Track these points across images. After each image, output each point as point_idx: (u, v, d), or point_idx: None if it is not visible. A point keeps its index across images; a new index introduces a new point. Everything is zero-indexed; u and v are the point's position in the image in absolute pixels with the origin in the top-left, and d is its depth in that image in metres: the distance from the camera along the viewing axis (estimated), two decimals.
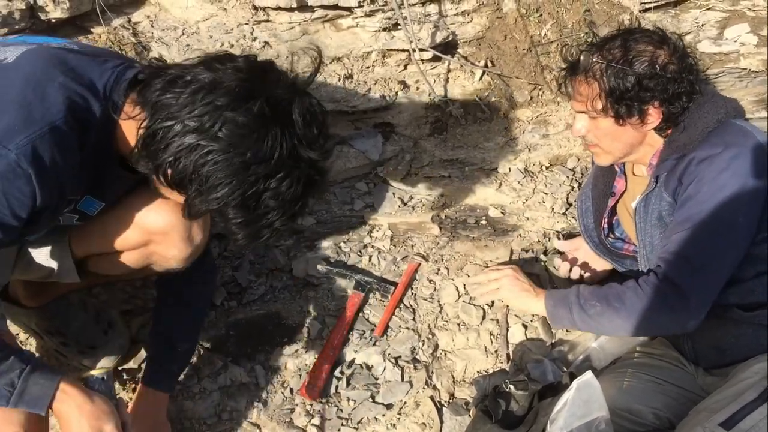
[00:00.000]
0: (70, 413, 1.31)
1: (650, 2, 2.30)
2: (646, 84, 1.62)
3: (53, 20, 2.09)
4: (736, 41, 2.30)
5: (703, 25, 2.33)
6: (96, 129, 1.27)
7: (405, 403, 1.92)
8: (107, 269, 1.56)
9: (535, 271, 2.20)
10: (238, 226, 1.28)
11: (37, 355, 1.89)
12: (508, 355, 2.01)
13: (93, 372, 1.41)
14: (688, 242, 1.61)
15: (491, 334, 2.06)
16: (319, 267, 2.25)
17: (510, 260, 2.25)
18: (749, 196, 1.58)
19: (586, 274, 2.14)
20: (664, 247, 1.67)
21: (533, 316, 2.10)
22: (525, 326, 2.08)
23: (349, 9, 2.22)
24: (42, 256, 1.52)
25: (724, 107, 1.69)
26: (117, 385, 1.89)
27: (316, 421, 1.89)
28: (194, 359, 1.98)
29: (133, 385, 1.90)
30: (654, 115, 1.67)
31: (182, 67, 1.28)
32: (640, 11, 2.32)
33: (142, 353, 1.97)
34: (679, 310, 1.60)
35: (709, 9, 2.33)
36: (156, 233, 1.52)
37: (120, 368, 1.94)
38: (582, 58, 1.69)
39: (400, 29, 2.22)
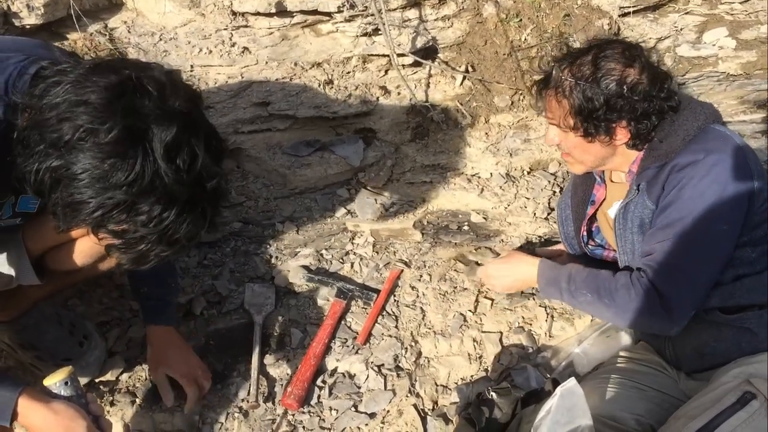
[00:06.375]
0: (36, 429, 1.30)
1: (629, 7, 2.31)
2: (614, 104, 1.61)
3: (27, 26, 2.05)
4: (714, 45, 2.31)
5: (681, 29, 2.34)
6: (1, 128, 1.22)
7: (388, 411, 1.90)
8: (66, 262, 1.49)
9: None
10: (116, 248, 1.23)
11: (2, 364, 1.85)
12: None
13: (54, 378, 1.36)
14: (672, 251, 1.61)
15: (474, 340, 2.05)
16: (301, 275, 2.23)
17: None
18: (731, 202, 1.58)
19: None
20: (648, 254, 1.67)
21: (518, 320, 2.10)
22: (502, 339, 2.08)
23: (328, 14, 2.21)
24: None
25: (702, 113, 1.69)
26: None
27: (298, 431, 1.86)
28: None
29: (111, 398, 1.87)
30: (621, 134, 1.67)
31: (76, 67, 1.20)
32: (619, 16, 2.33)
33: (120, 365, 1.94)
34: (662, 318, 1.62)
35: (687, 13, 2.34)
36: None
37: (97, 380, 1.90)
38: (553, 72, 1.69)
39: (381, 34, 2.21)
